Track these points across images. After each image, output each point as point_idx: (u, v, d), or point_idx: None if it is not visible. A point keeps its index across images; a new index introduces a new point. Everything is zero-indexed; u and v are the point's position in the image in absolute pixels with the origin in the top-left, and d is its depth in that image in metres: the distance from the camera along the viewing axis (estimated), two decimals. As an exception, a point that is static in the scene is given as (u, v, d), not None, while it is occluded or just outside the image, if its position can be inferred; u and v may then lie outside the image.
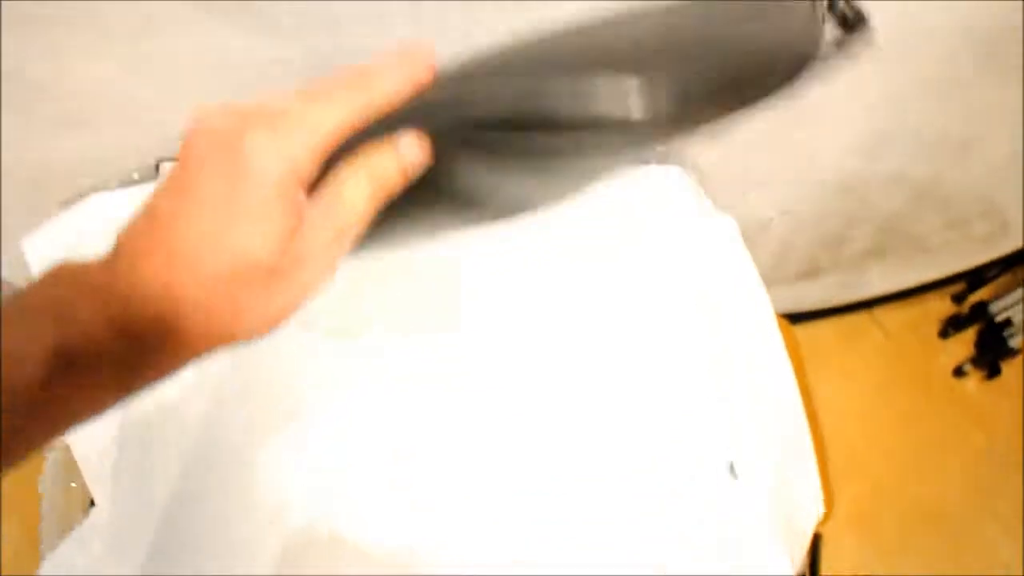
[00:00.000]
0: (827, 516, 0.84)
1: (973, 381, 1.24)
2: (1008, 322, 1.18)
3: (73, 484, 0.58)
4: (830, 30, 0.44)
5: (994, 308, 1.20)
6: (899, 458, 1.17)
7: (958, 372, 1.24)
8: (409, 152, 0.31)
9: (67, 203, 0.68)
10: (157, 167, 0.65)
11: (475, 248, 0.61)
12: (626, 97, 0.35)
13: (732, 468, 0.58)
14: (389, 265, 0.57)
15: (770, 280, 0.70)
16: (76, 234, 0.66)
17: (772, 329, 0.70)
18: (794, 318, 0.81)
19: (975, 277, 1.19)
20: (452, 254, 0.61)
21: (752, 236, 0.73)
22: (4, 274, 0.86)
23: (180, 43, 0.61)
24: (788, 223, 0.92)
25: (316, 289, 0.31)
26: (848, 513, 1.10)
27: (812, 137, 0.76)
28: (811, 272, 1.03)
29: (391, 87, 0.31)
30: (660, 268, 0.62)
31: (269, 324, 0.30)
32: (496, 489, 0.56)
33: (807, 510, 0.67)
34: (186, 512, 0.52)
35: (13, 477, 1.03)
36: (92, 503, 0.58)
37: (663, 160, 0.70)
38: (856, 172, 0.82)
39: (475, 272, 0.61)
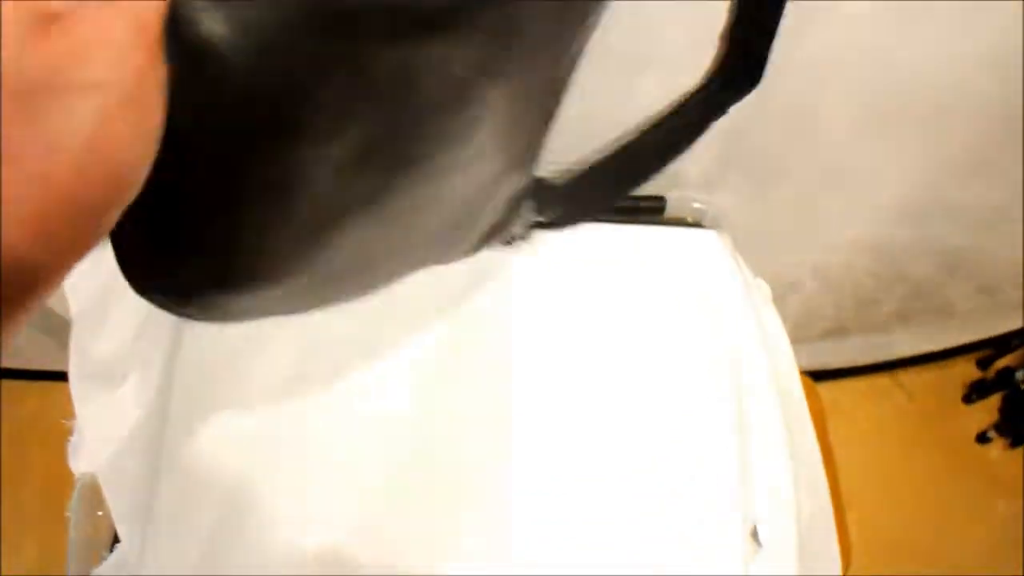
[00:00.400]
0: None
1: (997, 448, 1.23)
2: (1033, 389, 1.17)
3: (100, 513, 0.59)
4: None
5: (1020, 375, 1.19)
6: (919, 523, 1.16)
7: (982, 438, 1.23)
8: None
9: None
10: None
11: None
12: None
13: (755, 533, 0.58)
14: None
15: (795, 338, 0.70)
16: (115, 265, 0.67)
17: (798, 392, 0.70)
18: (817, 376, 0.81)
19: (1002, 343, 1.19)
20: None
21: (781, 296, 0.74)
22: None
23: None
24: (817, 285, 0.92)
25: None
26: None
27: (847, 202, 0.77)
28: (837, 332, 1.03)
29: None
30: (691, 325, 0.62)
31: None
32: (498, 489, 0.55)
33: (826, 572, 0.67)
34: (219, 566, 0.53)
35: (36, 496, 1.04)
36: (117, 538, 0.58)
37: (699, 224, 0.71)
38: (889, 237, 0.82)
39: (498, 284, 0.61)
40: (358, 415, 0.54)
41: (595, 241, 0.65)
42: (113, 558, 0.57)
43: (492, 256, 0.57)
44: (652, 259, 0.64)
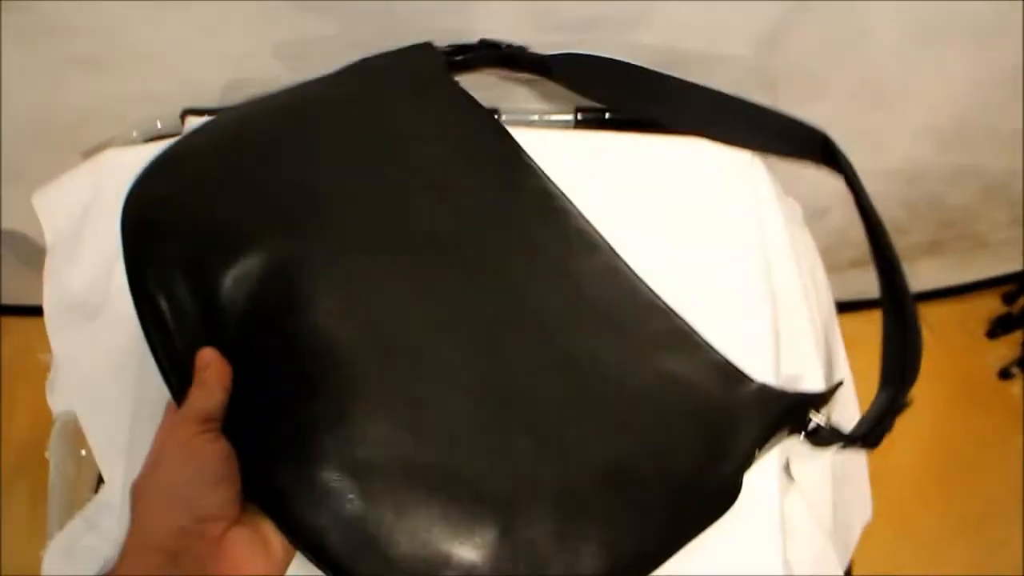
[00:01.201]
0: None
1: (1019, 383, 1.20)
2: (1059, 325, 1.13)
3: (83, 452, 0.55)
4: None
5: (1047, 309, 1.15)
6: (939, 458, 1.13)
7: (1004, 374, 1.19)
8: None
9: (88, 154, 0.64)
10: (183, 118, 0.61)
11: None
12: None
13: (787, 467, 0.54)
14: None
15: (821, 266, 0.66)
16: (88, 193, 0.62)
17: (827, 306, 0.68)
18: (840, 307, 0.78)
19: (1029, 278, 1.14)
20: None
21: (809, 222, 0.69)
22: (13, 224, 0.83)
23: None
24: (846, 212, 0.87)
25: None
26: (885, 512, 1.06)
27: (886, 121, 0.71)
28: (862, 261, 0.98)
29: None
30: (728, 241, 0.58)
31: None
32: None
33: (856, 513, 0.64)
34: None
35: (21, 445, 1.01)
36: (101, 479, 0.55)
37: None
38: (926, 162, 0.77)
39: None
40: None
41: (627, 151, 0.61)
42: (98, 498, 0.53)
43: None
44: (684, 169, 0.60)
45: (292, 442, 0.41)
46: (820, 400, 0.50)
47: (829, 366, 0.63)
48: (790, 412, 0.48)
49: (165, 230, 0.45)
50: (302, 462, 0.41)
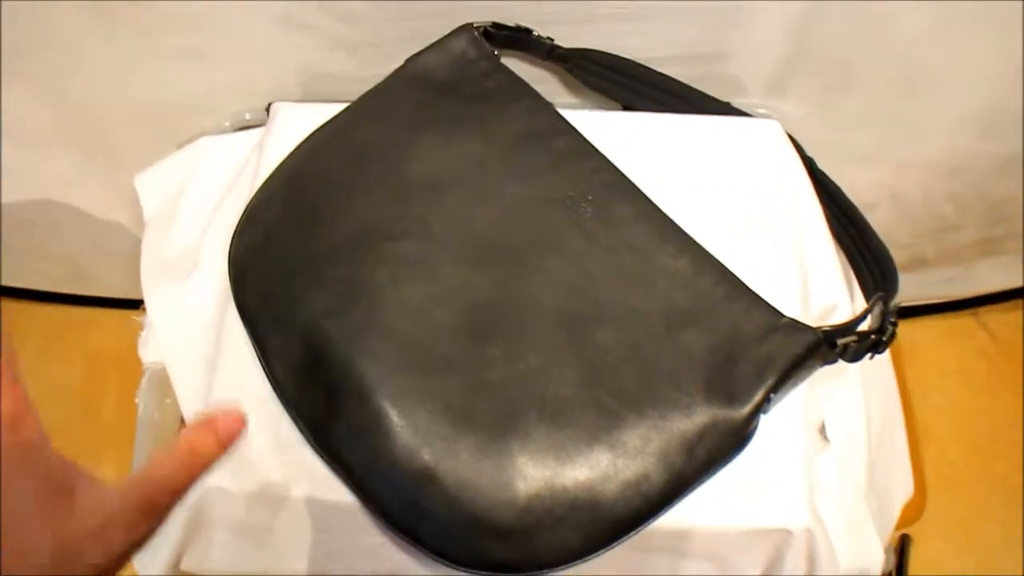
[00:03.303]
0: (917, 513, 0.80)
1: (1087, 395, 1.17)
2: None
3: (168, 401, 0.61)
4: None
5: (1113, 316, 1.13)
6: (998, 468, 1.11)
7: (1068, 384, 1.16)
8: (225, 428, 0.35)
9: (183, 144, 0.71)
10: (268, 110, 0.68)
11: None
12: None
13: (823, 429, 0.56)
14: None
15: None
16: (184, 175, 0.69)
17: None
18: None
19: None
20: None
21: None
22: (113, 214, 0.91)
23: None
24: (893, 208, 0.88)
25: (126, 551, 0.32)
26: (944, 523, 1.05)
27: (925, 109, 0.73)
28: (914, 264, 0.99)
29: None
30: (755, 213, 0.60)
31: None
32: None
33: (896, 488, 0.64)
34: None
35: (112, 416, 1.07)
36: (183, 423, 0.60)
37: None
38: (969, 151, 0.78)
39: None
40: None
41: (658, 129, 0.64)
42: (178, 441, 0.58)
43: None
44: (715, 146, 0.63)
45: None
46: (848, 328, 0.51)
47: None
48: (817, 346, 0.49)
49: (246, 277, 0.56)
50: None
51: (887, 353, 0.69)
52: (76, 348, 1.19)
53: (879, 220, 0.87)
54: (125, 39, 0.68)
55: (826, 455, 0.57)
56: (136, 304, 0.65)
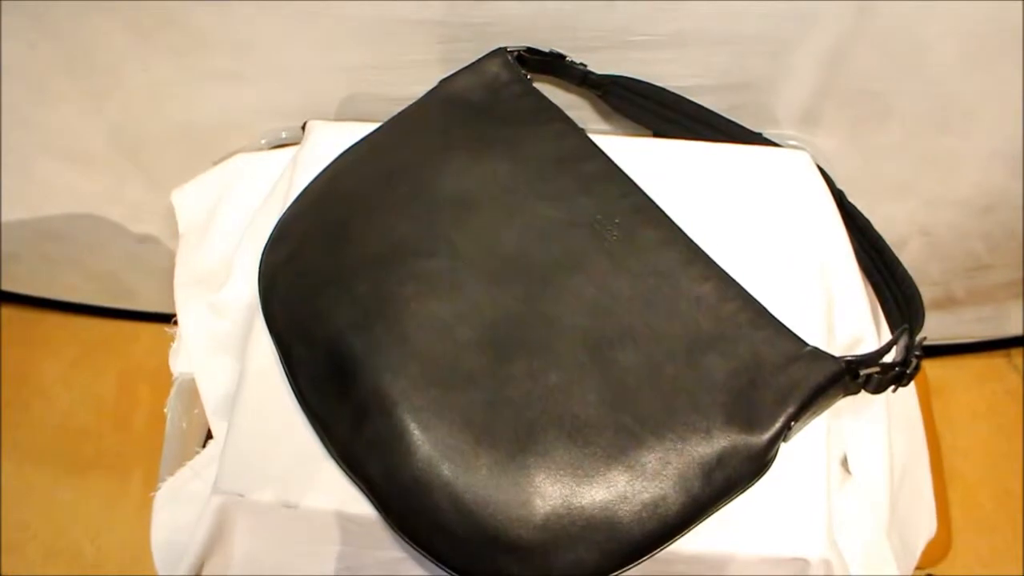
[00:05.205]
0: (943, 553, 0.79)
1: (1124, 439, 1.14)
2: None
3: (196, 411, 0.62)
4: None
5: None
6: (1030, 514, 1.09)
7: (1108, 429, 1.14)
8: None
9: (219, 161, 0.73)
10: (303, 128, 0.69)
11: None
12: None
13: (845, 462, 0.56)
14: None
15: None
16: (220, 190, 0.71)
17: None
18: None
19: None
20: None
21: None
22: (151, 229, 0.93)
23: (346, 7, 0.64)
24: (924, 244, 0.88)
25: None
26: (968, 561, 1.03)
27: (958, 145, 0.73)
28: (945, 302, 0.98)
29: None
30: (783, 241, 0.60)
31: None
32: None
33: (919, 525, 0.64)
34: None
35: (144, 429, 1.08)
36: (209, 435, 0.61)
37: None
38: (1001, 189, 0.78)
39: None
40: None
41: (687, 157, 0.64)
42: (206, 451, 0.59)
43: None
44: (745, 176, 0.63)
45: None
46: (872, 359, 0.50)
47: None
48: (839, 375, 0.49)
49: (274, 290, 0.56)
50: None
51: (912, 389, 0.69)
52: (112, 361, 1.21)
53: (910, 256, 0.87)
54: (163, 60, 0.70)
55: (847, 487, 0.56)
56: (167, 318, 0.66)
